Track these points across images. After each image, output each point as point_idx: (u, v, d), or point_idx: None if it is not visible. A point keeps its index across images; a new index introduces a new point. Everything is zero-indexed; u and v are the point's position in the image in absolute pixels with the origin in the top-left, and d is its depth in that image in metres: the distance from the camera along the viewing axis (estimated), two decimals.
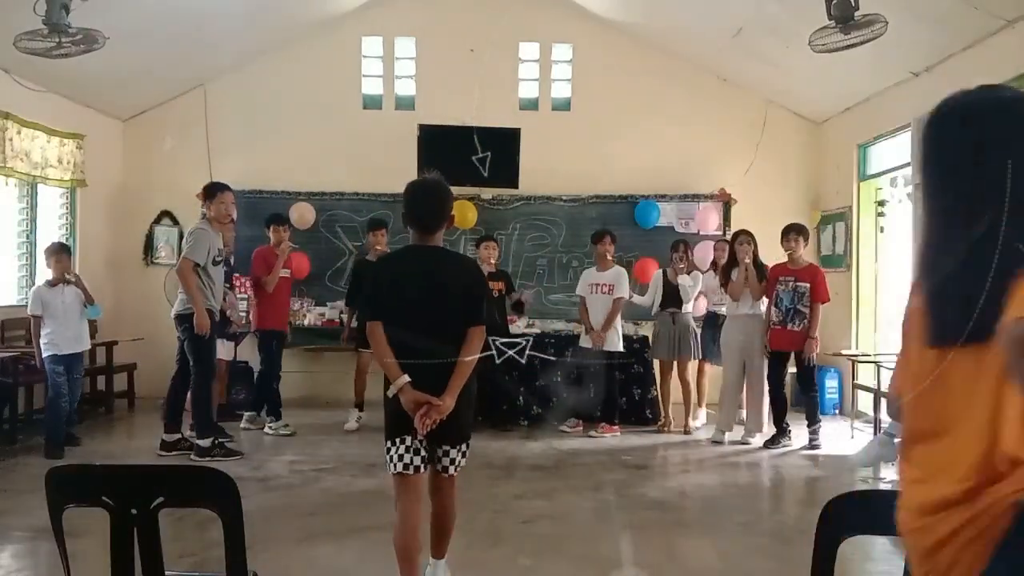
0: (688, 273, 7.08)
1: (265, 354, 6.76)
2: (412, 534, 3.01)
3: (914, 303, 1.53)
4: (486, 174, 8.22)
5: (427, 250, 3.10)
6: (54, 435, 5.90)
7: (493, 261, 7.22)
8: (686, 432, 6.96)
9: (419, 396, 2.88)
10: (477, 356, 3.02)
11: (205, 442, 5.77)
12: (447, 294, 2.99)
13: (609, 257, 7.00)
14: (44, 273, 7.68)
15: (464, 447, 3.09)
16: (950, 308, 1.38)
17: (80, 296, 6.15)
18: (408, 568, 3.00)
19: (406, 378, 2.88)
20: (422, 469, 2.99)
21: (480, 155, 8.05)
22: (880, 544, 3.94)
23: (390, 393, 2.96)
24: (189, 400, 5.89)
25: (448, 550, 3.33)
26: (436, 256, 3.10)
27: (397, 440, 2.99)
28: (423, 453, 2.98)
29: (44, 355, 5.99)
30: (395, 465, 2.99)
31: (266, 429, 6.67)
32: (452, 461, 3.05)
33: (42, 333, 6.01)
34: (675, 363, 7.07)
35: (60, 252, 6.20)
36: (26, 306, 7.21)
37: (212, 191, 6.07)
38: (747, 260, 6.53)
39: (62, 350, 6.00)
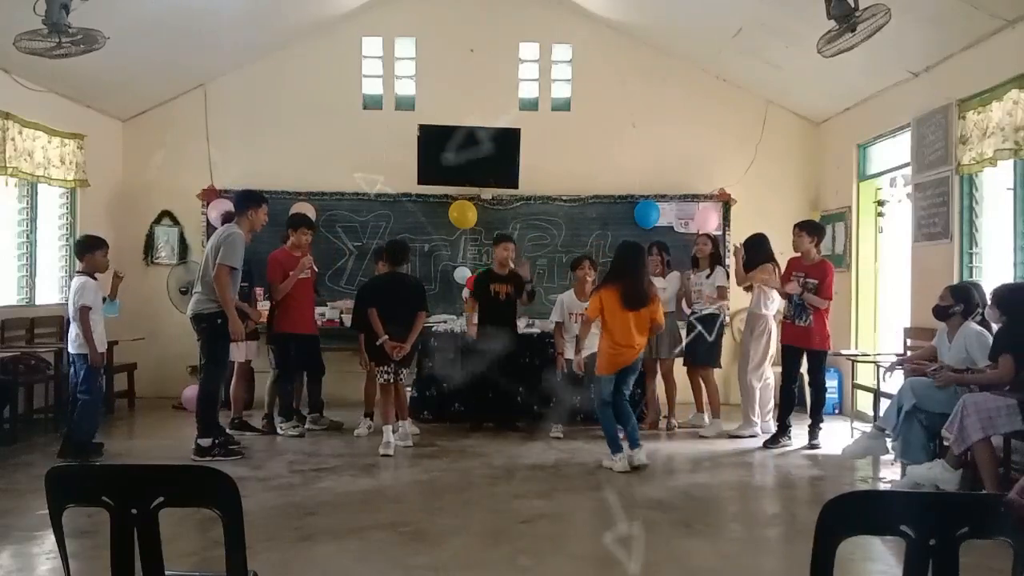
0: (664, 276, 7.10)
1: (280, 357, 6.73)
2: (390, 410, 6.20)
3: (608, 294, 5.61)
4: (486, 174, 8.24)
5: (396, 274, 6.37)
6: (80, 440, 5.64)
7: (510, 263, 7.05)
8: (668, 429, 7.09)
9: (392, 343, 6.09)
10: (421, 325, 6.32)
11: (205, 441, 5.77)
12: (405, 296, 6.27)
13: (590, 282, 6.73)
14: (48, 271, 7.72)
15: (408, 369, 6.48)
16: (636, 298, 5.55)
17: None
18: (387, 422, 6.16)
19: (386, 336, 6.10)
20: (392, 380, 6.19)
21: (480, 155, 8.07)
22: (880, 544, 3.94)
23: (378, 343, 6.12)
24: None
25: (448, 548, 3.95)
26: (400, 278, 6.39)
27: (382, 366, 6.18)
28: (392, 372, 6.16)
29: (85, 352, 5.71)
30: (383, 377, 6.20)
31: (277, 428, 6.68)
32: (404, 374, 6.34)
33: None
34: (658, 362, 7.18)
35: (105, 245, 5.99)
36: (25, 305, 7.27)
37: (259, 201, 6.04)
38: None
39: (101, 348, 5.83)
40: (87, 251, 5.86)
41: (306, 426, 6.82)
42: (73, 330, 5.78)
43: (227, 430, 6.47)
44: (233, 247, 5.70)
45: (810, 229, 6.65)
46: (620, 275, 5.65)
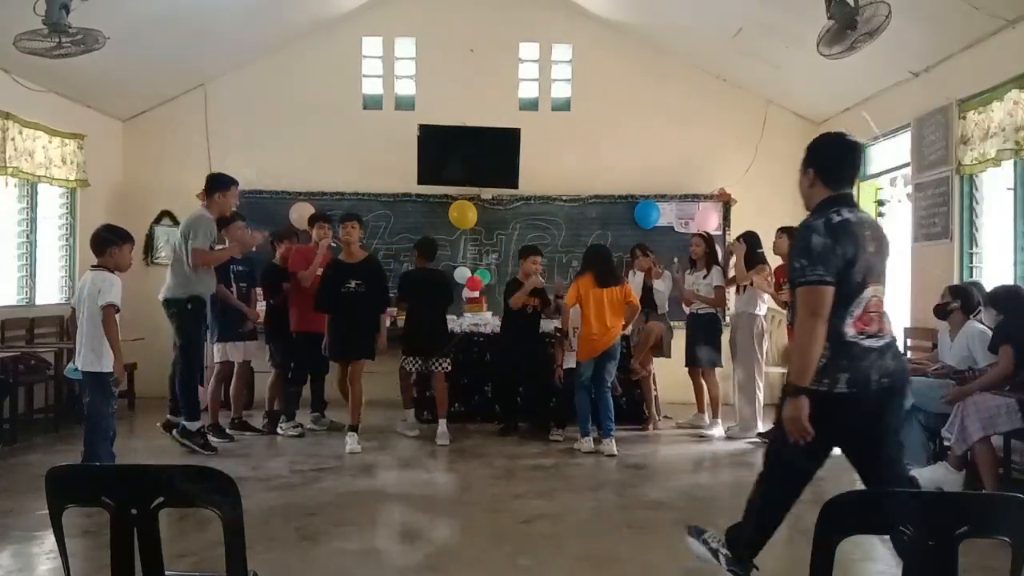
0: (657, 277, 7.15)
1: (295, 355, 6.71)
2: (409, 394, 6.97)
3: (583, 280, 6.28)
4: (486, 174, 8.24)
5: (427, 269, 6.77)
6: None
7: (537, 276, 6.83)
8: (653, 428, 7.15)
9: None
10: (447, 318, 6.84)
11: (193, 424, 5.86)
12: (435, 290, 6.66)
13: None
14: (48, 271, 7.70)
15: (448, 359, 6.67)
16: (607, 275, 6.28)
17: None
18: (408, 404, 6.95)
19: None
20: (420, 369, 6.69)
21: (480, 155, 8.07)
22: (879, 544, 3.94)
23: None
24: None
25: (448, 548, 3.98)
26: (431, 272, 6.78)
27: (409, 357, 6.63)
28: (420, 364, 6.60)
29: (104, 370, 4.83)
30: (408, 368, 6.70)
31: (278, 429, 6.68)
32: (441, 364, 6.59)
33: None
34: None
35: (132, 240, 5.10)
36: (25, 305, 7.26)
37: (227, 184, 6.09)
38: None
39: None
40: (113, 244, 4.90)
41: (285, 428, 6.74)
42: (84, 343, 4.82)
43: (227, 430, 6.50)
44: (200, 228, 5.81)
45: (792, 234, 6.67)
46: (590, 264, 6.41)
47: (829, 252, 2.90)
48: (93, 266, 4.97)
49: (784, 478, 3.20)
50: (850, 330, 2.94)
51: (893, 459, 3.03)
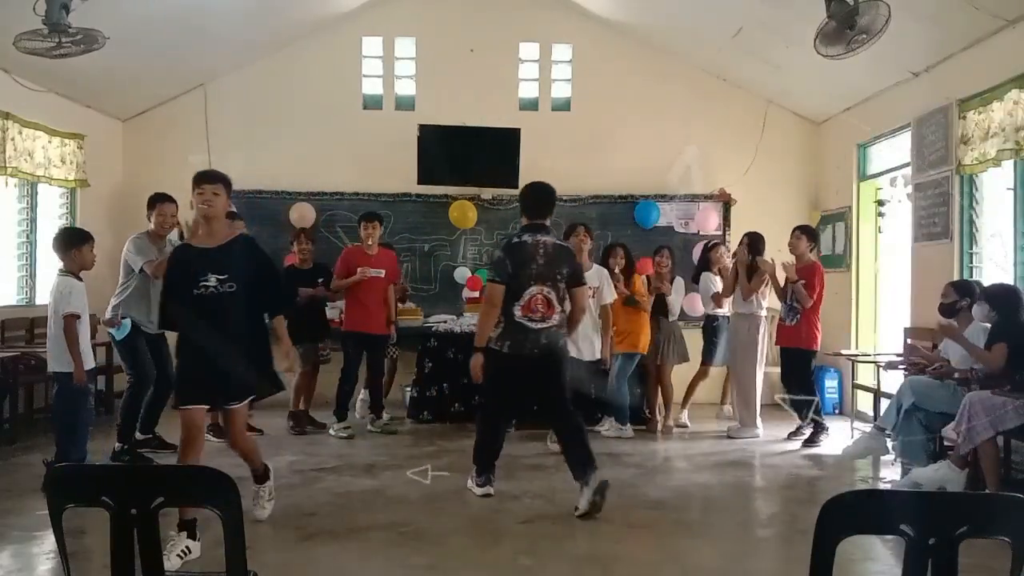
0: (671, 280, 7.13)
1: (344, 355, 6.71)
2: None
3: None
4: (486, 174, 8.25)
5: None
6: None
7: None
8: (663, 432, 7.07)
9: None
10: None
11: (118, 445, 5.69)
12: None
13: (586, 250, 6.20)
14: (48, 271, 7.66)
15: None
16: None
17: None
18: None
19: None
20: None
21: (479, 155, 8.09)
22: (879, 544, 3.94)
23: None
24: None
25: (448, 548, 3.93)
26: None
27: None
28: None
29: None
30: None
31: (329, 431, 6.68)
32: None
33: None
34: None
35: (92, 239, 5.19)
36: (25, 305, 7.25)
37: (152, 202, 6.04)
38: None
39: (88, 364, 5.06)
40: (74, 246, 5.05)
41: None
42: (55, 344, 4.98)
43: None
44: (132, 255, 5.81)
45: (810, 233, 6.78)
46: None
47: (502, 263, 4.57)
48: (60, 271, 5.10)
49: (493, 415, 4.88)
50: (518, 312, 4.53)
51: (555, 399, 4.66)
